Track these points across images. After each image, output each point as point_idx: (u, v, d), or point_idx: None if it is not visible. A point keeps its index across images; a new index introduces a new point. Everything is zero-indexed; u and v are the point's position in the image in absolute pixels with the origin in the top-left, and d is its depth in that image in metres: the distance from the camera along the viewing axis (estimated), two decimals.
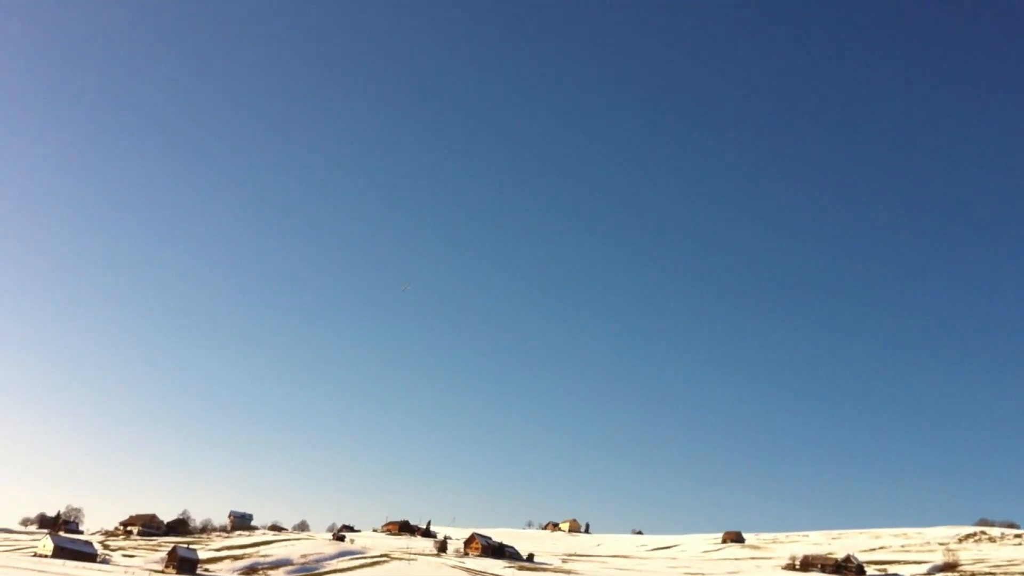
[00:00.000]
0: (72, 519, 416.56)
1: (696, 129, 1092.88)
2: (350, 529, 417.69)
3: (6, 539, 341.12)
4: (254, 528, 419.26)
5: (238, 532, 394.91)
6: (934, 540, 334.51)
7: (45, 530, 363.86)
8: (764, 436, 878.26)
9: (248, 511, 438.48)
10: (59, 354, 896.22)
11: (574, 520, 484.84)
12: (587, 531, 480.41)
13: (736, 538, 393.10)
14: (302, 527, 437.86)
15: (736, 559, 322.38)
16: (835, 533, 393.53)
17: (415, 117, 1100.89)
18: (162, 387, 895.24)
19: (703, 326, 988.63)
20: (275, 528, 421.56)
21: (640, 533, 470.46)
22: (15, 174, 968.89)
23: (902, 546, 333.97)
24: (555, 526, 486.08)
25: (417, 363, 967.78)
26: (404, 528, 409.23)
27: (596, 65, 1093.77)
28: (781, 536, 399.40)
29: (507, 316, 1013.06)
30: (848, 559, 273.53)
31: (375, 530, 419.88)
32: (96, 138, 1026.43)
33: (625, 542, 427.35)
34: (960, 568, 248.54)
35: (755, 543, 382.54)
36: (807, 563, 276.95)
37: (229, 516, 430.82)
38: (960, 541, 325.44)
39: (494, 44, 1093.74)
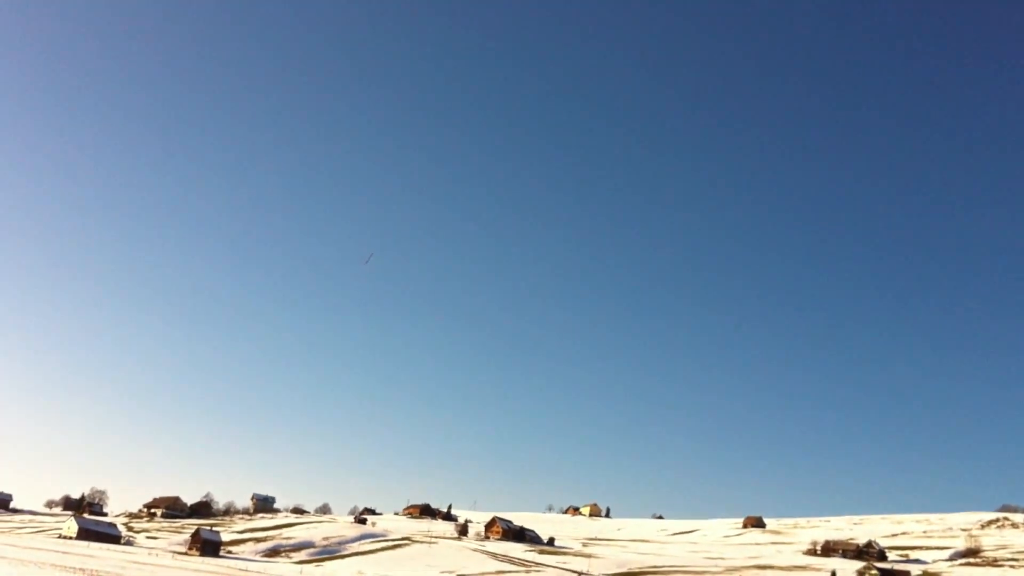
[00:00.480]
0: (96, 501, 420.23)
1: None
2: (372, 512, 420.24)
3: (31, 521, 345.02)
4: (276, 511, 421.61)
5: (261, 515, 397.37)
6: (956, 526, 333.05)
7: (70, 512, 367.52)
8: (786, 421, 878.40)
9: (271, 494, 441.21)
10: (84, 340, 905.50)
11: (595, 504, 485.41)
12: (607, 515, 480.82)
13: (757, 523, 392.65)
14: (324, 510, 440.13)
15: (757, 544, 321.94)
16: (856, 518, 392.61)
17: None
18: (186, 371, 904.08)
19: (725, 311, 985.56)
20: (297, 511, 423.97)
21: (661, 518, 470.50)
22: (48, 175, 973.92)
23: (924, 532, 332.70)
24: (576, 510, 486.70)
25: (439, 348, 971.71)
26: (425, 512, 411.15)
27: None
28: (802, 521, 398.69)
29: (529, 302, 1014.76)
30: (870, 544, 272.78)
31: (396, 513, 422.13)
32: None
33: (646, 527, 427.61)
34: (982, 554, 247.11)
35: (776, 528, 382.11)
36: (828, 548, 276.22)
37: (252, 499, 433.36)
38: (982, 527, 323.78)
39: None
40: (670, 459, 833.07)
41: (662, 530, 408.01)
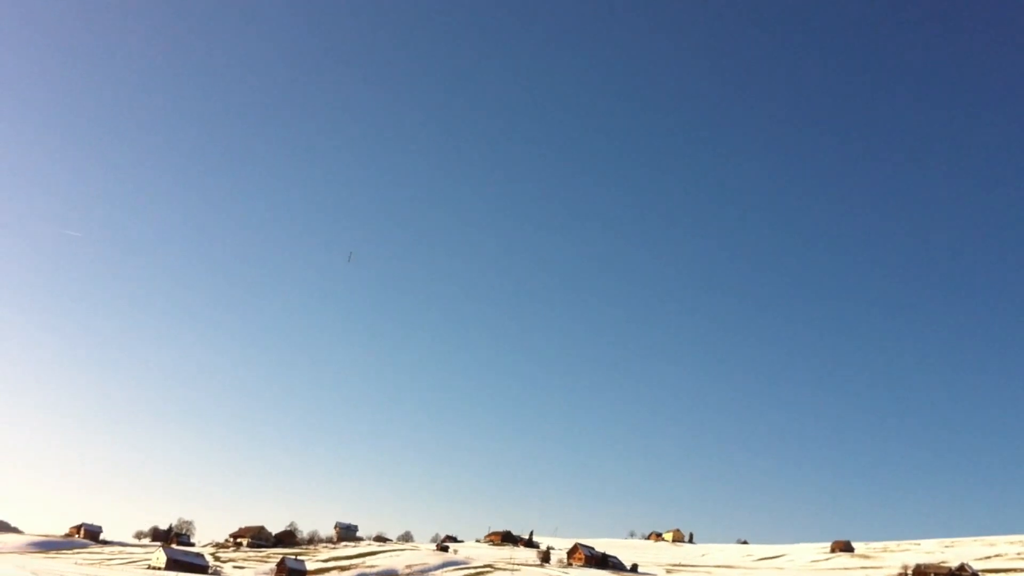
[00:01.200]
0: (184, 532, 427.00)
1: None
2: (453, 539, 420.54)
3: (121, 552, 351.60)
4: (359, 539, 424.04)
5: (344, 543, 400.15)
6: None
7: (158, 543, 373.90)
8: (874, 441, 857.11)
9: (354, 522, 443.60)
10: (171, 374, 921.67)
11: (678, 530, 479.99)
12: (691, 541, 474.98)
13: (845, 547, 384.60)
14: (406, 538, 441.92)
15: (846, 569, 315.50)
16: (948, 541, 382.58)
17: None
18: (271, 401, 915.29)
19: (810, 328, 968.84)
20: (380, 539, 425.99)
21: (746, 543, 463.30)
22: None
23: (1018, 553, 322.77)
24: (658, 536, 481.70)
25: (519, 375, 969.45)
26: (507, 538, 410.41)
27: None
28: (892, 544, 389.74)
29: (625, 327, 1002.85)
30: (962, 568, 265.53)
31: (478, 540, 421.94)
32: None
33: (730, 552, 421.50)
34: None
35: (865, 552, 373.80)
36: (919, 572, 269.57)
37: (335, 527, 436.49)
38: None
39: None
40: (754, 482, 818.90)
41: (747, 555, 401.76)
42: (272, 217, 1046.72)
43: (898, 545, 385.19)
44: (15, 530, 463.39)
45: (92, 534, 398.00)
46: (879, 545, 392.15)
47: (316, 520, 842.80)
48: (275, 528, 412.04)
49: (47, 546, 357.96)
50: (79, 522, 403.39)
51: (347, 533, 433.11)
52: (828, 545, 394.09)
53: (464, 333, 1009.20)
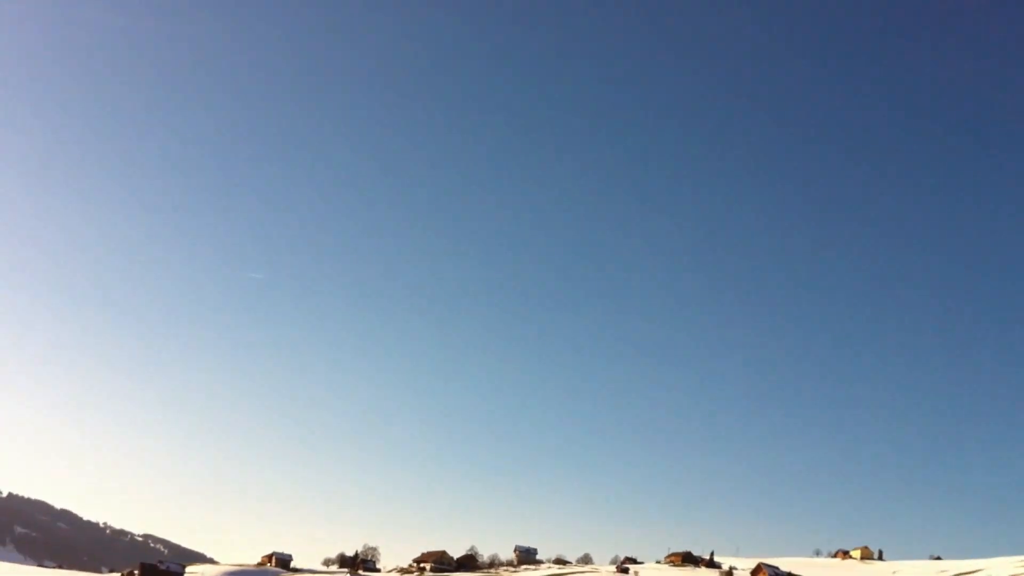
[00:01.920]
0: (370, 558, 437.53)
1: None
2: (633, 561, 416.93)
3: None
4: (539, 562, 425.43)
5: (524, 566, 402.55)
6: None
7: (345, 570, 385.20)
8: None
9: (533, 545, 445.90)
10: (357, 406, 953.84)
11: (866, 547, 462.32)
12: (880, 558, 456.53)
13: None
14: (585, 560, 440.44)
15: None
16: None
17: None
18: (453, 429, 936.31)
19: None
20: (559, 561, 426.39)
21: (939, 558, 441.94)
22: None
23: None
24: (845, 554, 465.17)
25: (699, 388, 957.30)
26: (687, 559, 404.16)
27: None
28: None
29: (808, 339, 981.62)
30: None
31: (658, 562, 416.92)
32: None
33: (923, 568, 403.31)
34: None
35: None
36: None
37: (515, 550, 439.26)
38: None
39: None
40: (945, 492, 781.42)
41: (941, 572, 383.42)
42: None
43: None
44: (211, 561, 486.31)
45: (283, 562, 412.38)
46: None
47: (496, 543, 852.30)
48: (456, 552, 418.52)
49: None
50: (270, 551, 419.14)
51: (527, 556, 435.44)
52: None
53: (659, 350, 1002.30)
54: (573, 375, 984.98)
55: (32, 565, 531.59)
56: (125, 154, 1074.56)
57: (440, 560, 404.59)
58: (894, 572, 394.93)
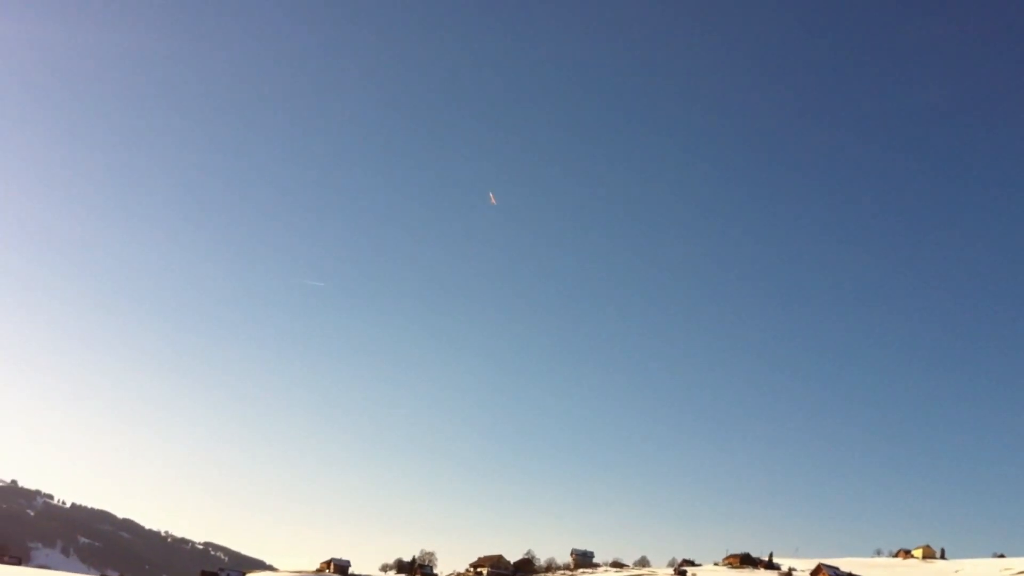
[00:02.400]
0: (427, 563, 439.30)
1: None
2: (691, 563, 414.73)
3: None
4: (596, 565, 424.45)
5: (581, 569, 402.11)
6: None
7: (403, 575, 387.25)
8: None
9: (589, 548, 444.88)
10: (410, 414, 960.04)
11: (927, 546, 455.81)
12: (943, 557, 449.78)
13: None
14: (643, 563, 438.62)
15: None
16: None
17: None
18: (508, 432, 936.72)
19: None
20: (616, 564, 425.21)
21: (1002, 556, 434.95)
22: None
23: None
24: (907, 553, 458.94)
25: (753, 391, 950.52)
26: (745, 561, 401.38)
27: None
28: None
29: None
30: None
31: (716, 563, 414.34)
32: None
33: (986, 567, 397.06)
34: None
35: None
36: None
37: (571, 554, 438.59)
38: None
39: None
40: (1008, 489, 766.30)
41: (1005, 569, 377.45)
42: None
43: None
44: (271, 568, 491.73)
45: (341, 568, 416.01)
46: None
47: (552, 547, 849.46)
48: (513, 556, 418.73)
49: None
50: (328, 557, 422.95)
51: (583, 559, 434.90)
52: None
53: (725, 349, 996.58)
54: (631, 377, 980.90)
55: (95, 575, 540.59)
56: (177, 164, 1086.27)
57: (497, 564, 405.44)
58: (956, 571, 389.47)
